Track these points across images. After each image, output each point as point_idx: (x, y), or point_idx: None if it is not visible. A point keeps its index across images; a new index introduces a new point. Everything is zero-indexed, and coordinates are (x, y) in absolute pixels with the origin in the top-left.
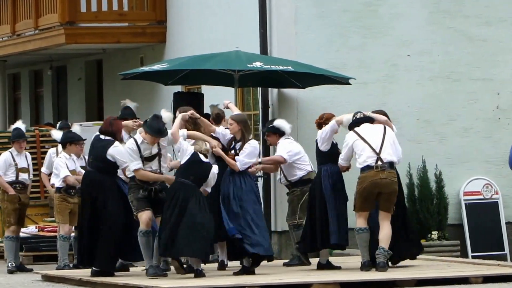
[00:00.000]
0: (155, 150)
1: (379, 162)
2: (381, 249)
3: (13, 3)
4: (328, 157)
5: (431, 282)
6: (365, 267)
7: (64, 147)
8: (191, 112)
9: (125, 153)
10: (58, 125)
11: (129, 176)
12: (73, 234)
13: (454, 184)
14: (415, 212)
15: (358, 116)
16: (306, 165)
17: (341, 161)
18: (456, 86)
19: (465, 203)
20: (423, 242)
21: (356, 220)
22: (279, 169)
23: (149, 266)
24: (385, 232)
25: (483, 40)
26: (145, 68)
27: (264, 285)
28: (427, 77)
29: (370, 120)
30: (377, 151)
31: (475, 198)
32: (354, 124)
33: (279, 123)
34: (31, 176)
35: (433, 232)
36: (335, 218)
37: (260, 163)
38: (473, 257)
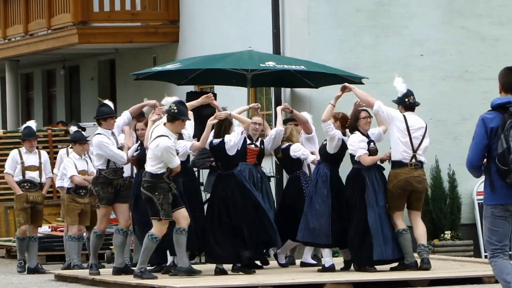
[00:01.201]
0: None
1: (413, 160)
2: (421, 245)
3: (25, 3)
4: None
5: (444, 282)
6: (410, 267)
7: (72, 147)
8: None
9: (168, 151)
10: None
11: (158, 173)
12: (85, 234)
13: (467, 183)
14: (428, 212)
15: (411, 99)
16: None
17: (376, 107)
18: (469, 85)
19: (478, 203)
20: (436, 242)
21: (395, 222)
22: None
23: (145, 269)
24: (420, 229)
25: (496, 40)
26: (158, 68)
27: (277, 284)
28: (440, 77)
29: (414, 107)
30: (415, 148)
31: None
32: (404, 106)
33: None
34: (47, 175)
35: (446, 232)
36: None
37: (292, 111)
38: (486, 257)
